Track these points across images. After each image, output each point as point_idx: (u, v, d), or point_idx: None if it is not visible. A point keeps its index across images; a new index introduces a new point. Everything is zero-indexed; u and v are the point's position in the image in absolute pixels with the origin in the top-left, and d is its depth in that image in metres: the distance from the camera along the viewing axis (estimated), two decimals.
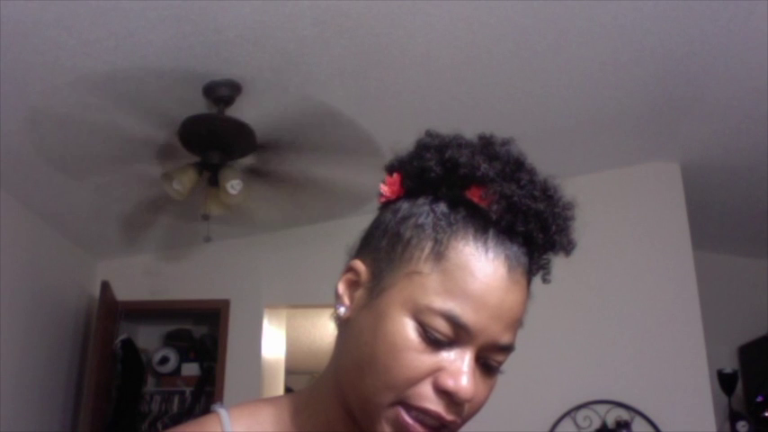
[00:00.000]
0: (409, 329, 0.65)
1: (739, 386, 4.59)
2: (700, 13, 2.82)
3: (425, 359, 0.65)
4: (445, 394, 0.65)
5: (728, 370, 4.49)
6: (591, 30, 2.88)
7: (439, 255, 0.66)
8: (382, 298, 0.68)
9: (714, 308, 4.27)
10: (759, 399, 4.46)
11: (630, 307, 4.07)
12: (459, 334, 0.65)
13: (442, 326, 0.65)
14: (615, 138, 3.93)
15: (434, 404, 0.65)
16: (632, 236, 4.20)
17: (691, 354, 3.90)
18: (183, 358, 4.76)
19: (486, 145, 0.70)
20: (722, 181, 4.29)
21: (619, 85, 3.34)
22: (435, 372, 0.65)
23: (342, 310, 0.71)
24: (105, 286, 4.32)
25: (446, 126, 0.75)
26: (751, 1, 2.74)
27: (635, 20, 2.84)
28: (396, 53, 2.94)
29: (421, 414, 0.65)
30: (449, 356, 0.65)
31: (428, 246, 0.67)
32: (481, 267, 0.65)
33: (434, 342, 0.65)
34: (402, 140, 0.75)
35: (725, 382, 4.47)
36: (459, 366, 0.65)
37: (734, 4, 2.77)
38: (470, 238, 0.66)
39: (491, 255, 0.66)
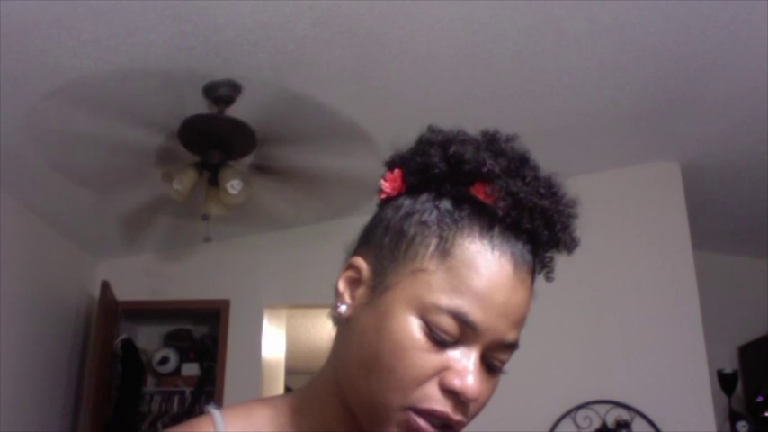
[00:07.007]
0: (415, 328, 0.65)
1: (739, 386, 4.59)
2: (700, 13, 2.82)
3: (431, 358, 0.64)
4: (452, 394, 0.65)
5: (728, 370, 4.49)
6: (591, 30, 2.88)
7: (444, 252, 0.66)
8: (386, 296, 0.67)
9: (714, 308, 4.27)
10: (759, 399, 4.46)
11: (630, 307, 4.07)
12: (465, 332, 0.65)
13: (448, 324, 0.64)
14: (615, 138, 3.93)
15: (441, 404, 0.65)
16: (632, 236, 4.19)
17: (691, 354, 3.90)
18: (183, 358, 4.76)
19: (491, 141, 0.70)
20: (722, 181, 4.29)
21: (619, 85, 3.34)
22: (441, 371, 0.65)
23: (343, 308, 0.70)
24: (105, 286, 4.32)
25: (446, 126, 0.75)
26: (751, 1, 2.74)
27: (635, 20, 2.84)
28: (396, 53, 2.94)
29: (429, 416, 0.65)
30: (455, 355, 0.65)
31: (433, 243, 0.66)
32: (487, 265, 0.65)
33: (440, 341, 0.64)
34: (402, 139, 0.75)
35: (725, 382, 4.47)
36: (465, 365, 0.65)
37: (734, 4, 2.77)
38: (476, 235, 0.66)
39: (497, 252, 0.65)
